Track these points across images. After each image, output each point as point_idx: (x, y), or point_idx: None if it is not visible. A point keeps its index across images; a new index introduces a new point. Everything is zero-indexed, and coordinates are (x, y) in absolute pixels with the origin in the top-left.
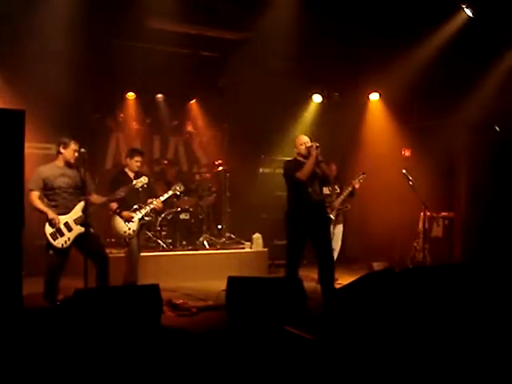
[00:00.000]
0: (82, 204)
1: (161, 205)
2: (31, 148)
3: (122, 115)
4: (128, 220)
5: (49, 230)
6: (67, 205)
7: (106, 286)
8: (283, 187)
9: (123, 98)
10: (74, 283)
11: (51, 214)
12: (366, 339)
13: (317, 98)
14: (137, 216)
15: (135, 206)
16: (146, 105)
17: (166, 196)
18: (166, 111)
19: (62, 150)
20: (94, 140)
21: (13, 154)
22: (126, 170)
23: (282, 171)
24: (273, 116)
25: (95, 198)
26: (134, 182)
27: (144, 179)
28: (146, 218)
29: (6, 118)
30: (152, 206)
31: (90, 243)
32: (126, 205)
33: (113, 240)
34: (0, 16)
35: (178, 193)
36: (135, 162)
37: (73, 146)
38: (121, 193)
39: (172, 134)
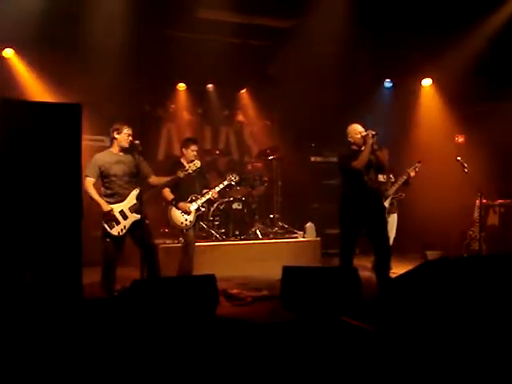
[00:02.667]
0: (136, 192)
1: (216, 195)
2: (86, 140)
3: (173, 106)
4: (185, 211)
5: (103, 219)
6: (123, 192)
7: (157, 275)
8: (334, 176)
9: (174, 89)
10: (130, 273)
11: (105, 207)
12: (422, 330)
13: (388, 84)
14: (193, 207)
15: (191, 197)
16: (197, 95)
17: (221, 186)
18: (216, 101)
19: (115, 136)
20: (146, 131)
21: (71, 146)
22: (182, 160)
23: (334, 160)
24: (324, 104)
25: (154, 180)
26: (187, 166)
27: (197, 163)
28: (201, 209)
29: (64, 111)
30: (208, 197)
31: (143, 232)
32: (181, 195)
33: (166, 230)
34: (55, 10)
35: (233, 183)
36: (191, 152)
37: (126, 130)
38: (180, 174)
39: (223, 124)
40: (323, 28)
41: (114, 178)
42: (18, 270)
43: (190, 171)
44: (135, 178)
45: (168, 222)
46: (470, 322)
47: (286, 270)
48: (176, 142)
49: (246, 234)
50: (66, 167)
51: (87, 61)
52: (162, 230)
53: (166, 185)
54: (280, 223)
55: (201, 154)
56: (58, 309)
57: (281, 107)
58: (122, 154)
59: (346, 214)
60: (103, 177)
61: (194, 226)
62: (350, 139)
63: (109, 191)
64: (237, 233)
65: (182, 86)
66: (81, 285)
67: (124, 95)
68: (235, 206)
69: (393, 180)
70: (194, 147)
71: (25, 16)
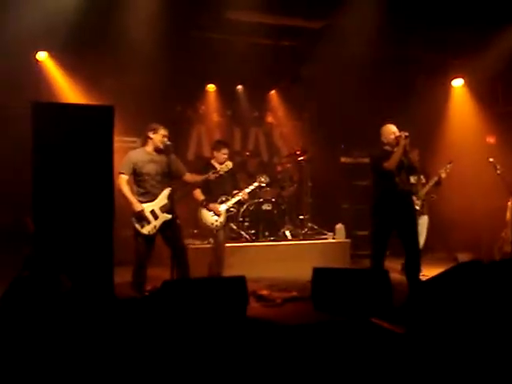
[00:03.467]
0: (167, 191)
1: (247, 196)
2: (117, 141)
3: (202, 107)
4: (215, 212)
5: (135, 218)
6: (155, 192)
7: (187, 276)
8: (365, 177)
9: (204, 91)
10: (160, 273)
11: (137, 207)
12: (453, 333)
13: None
14: (223, 208)
15: (222, 198)
16: (227, 96)
17: (251, 187)
18: (246, 102)
19: (151, 135)
20: (176, 132)
21: (103, 148)
22: (213, 162)
23: (364, 160)
24: (354, 105)
25: (189, 177)
26: (219, 167)
27: (228, 164)
28: (231, 210)
29: (97, 113)
30: (238, 198)
31: (173, 232)
32: (211, 196)
33: (196, 231)
34: (88, 12)
35: (263, 184)
36: (222, 155)
37: (162, 131)
38: (211, 175)
39: (252, 125)
40: (355, 28)
41: (146, 177)
42: (54, 271)
43: (222, 172)
44: (167, 177)
45: (198, 222)
46: (503, 328)
47: (317, 272)
48: (206, 144)
49: (275, 235)
50: (99, 168)
51: (119, 62)
52: (191, 231)
53: (199, 184)
54: (310, 224)
55: (230, 156)
56: (90, 309)
57: (311, 108)
58: (155, 153)
59: (377, 215)
60: (136, 175)
61: (224, 227)
62: (383, 139)
63: (141, 190)
64: (266, 234)
65: (211, 87)
66: (112, 284)
67: (155, 96)
68: (265, 207)
69: (424, 181)
70: (225, 150)
71: (58, 18)
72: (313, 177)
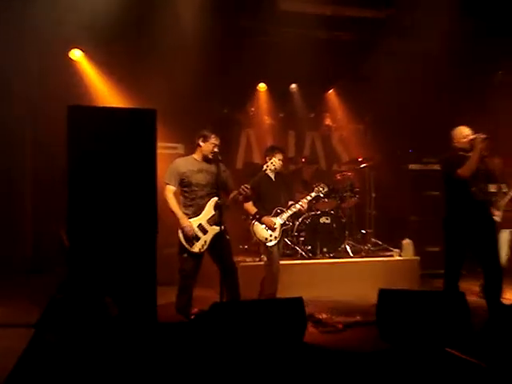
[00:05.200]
0: (213, 201)
1: (305, 208)
2: (158, 148)
3: (252, 109)
4: (269, 226)
5: (182, 234)
6: (202, 204)
7: (237, 297)
8: (436, 186)
9: (254, 90)
10: (207, 294)
11: (184, 222)
12: None
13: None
14: (278, 221)
15: (276, 210)
16: (279, 96)
17: (308, 198)
18: (300, 103)
19: (200, 143)
20: (224, 137)
21: (146, 154)
22: (267, 170)
23: (435, 167)
24: (423, 105)
25: (230, 196)
26: (264, 167)
27: (275, 162)
28: (287, 223)
29: (138, 117)
30: (294, 210)
31: (223, 248)
32: (264, 208)
33: (246, 247)
34: (127, 8)
35: (321, 194)
36: (278, 162)
37: (213, 139)
38: (247, 189)
39: (308, 129)
40: (423, 19)
41: (195, 188)
42: (99, 294)
43: (268, 172)
44: (217, 189)
45: (251, 237)
46: None
47: (383, 294)
48: (256, 149)
49: (335, 251)
50: (141, 178)
51: (160, 62)
52: (241, 247)
53: (250, 196)
54: (373, 239)
55: (284, 163)
56: (133, 333)
57: (374, 109)
58: (204, 162)
59: (451, 229)
60: (184, 185)
61: (279, 242)
62: (455, 144)
63: (188, 202)
64: (325, 250)
65: (262, 87)
66: (155, 307)
67: (199, 98)
68: (323, 220)
69: (505, 190)
70: (279, 156)
71: (94, 14)
72: (377, 186)
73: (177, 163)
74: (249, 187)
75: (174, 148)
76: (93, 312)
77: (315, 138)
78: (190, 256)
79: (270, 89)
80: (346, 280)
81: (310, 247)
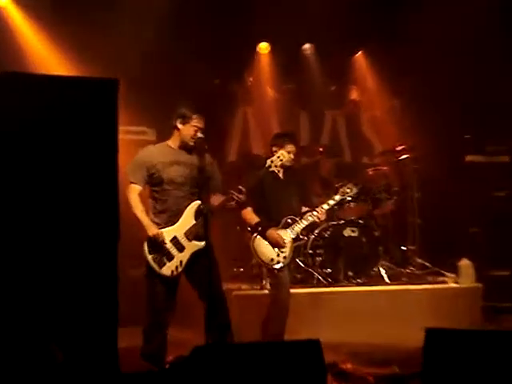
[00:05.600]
0: (193, 206)
1: (324, 216)
2: (120, 133)
3: (251, 79)
4: (277, 242)
5: (148, 249)
6: (178, 209)
7: (229, 339)
8: (505, 184)
9: (253, 53)
10: (187, 336)
11: (152, 230)
12: None
13: None
14: (289, 235)
15: (287, 220)
16: (287, 61)
17: (330, 203)
18: (317, 71)
19: (178, 126)
20: (211, 118)
21: (103, 140)
22: (271, 166)
23: (502, 159)
24: (484, 75)
25: (214, 199)
26: (268, 163)
27: (284, 155)
28: (301, 238)
29: (94, 90)
30: (311, 220)
31: (206, 271)
32: (270, 216)
33: (241, 270)
34: None
35: (348, 198)
36: (287, 155)
37: (195, 121)
38: (241, 193)
39: (328, 107)
40: None
41: (168, 187)
42: (42, 340)
43: (274, 169)
44: (198, 189)
45: (252, 257)
46: None
47: (431, 334)
48: (256, 134)
49: (364, 275)
50: (96, 171)
51: (123, 15)
52: (235, 270)
53: (248, 200)
54: (418, 259)
55: (295, 154)
56: None
57: (417, 79)
58: (182, 152)
59: None
60: (153, 184)
61: (289, 264)
62: None
63: (159, 206)
64: (350, 274)
65: (264, 48)
66: (117, 352)
67: (179, 64)
68: (348, 232)
69: None
70: (290, 147)
71: None
72: (422, 185)
73: (144, 153)
74: (243, 190)
75: (142, 133)
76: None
77: (337, 119)
78: (161, 281)
79: (275, 51)
80: (379, 315)
81: (330, 270)
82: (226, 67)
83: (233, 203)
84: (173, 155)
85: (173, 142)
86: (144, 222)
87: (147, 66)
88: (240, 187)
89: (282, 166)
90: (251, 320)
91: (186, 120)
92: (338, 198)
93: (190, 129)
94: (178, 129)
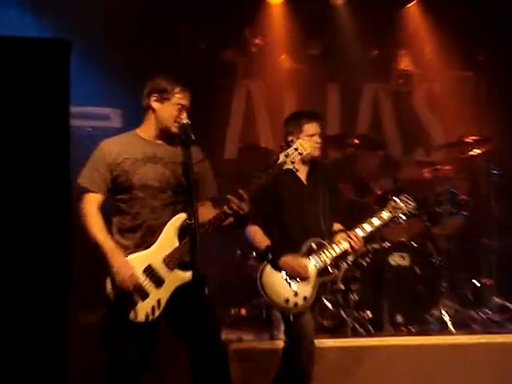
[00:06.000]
0: (177, 221)
1: (363, 242)
2: (72, 118)
3: (257, 41)
4: (296, 273)
5: (114, 287)
6: (155, 226)
7: None
8: None
9: (260, 3)
10: None
11: (117, 260)
12: None
13: None
14: (313, 265)
15: (310, 244)
16: (310, 15)
17: (375, 223)
18: (352, 28)
19: (153, 105)
20: (201, 99)
21: (49, 127)
22: (288, 163)
23: None
24: None
25: (205, 210)
26: (281, 158)
27: (304, 145)
28: (331, 270)
29: (37, 54)
30: (345, 245)
31: (197, 314)
32: (287, 237)
33: (243, 312)
34: None
35: (402, 215)
36: (309, 142)
37: (178, 97)
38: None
39: (367, 79)
40: None
41: (140, 194)
42: None
43: (289, 166)
44: (183, 197)
45: (259, 294)
46: None
47: None
48: (263, 120)
49: (419, 321)
50: (39, 173)
51: None
52: (233, 312)
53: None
54: (495, 298)
55: (322, 145)
56: None
57: (495, 41)
58: (160, 142)
59: None
60: (118, 190)
61: (313, 305)
62: None
63: (127, 222)
64: (399, 319)
65: None
66: None
67: (157, 20)
68: (396, 259)
69: None
70: (313, 128)
71: None
72: (502, 193)
73: (105, 148)
74: (246, 197)
75: (104, 118)
76: None
77: (380, 96)
78: (131, 330)
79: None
80: (440, 377)
81: (370, 314)
82: (221, 24)
83: (230, 218)
84: (146, 149)
85: (145, 131)
86: (105, 245)
87: (114, 23)
88: (241, 192)
89: (302, 160)
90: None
91: (164, 96)
92: (386, 215)
93: (170, 108)
94: (154, 109)
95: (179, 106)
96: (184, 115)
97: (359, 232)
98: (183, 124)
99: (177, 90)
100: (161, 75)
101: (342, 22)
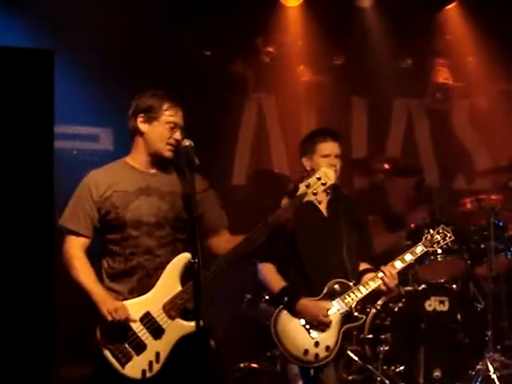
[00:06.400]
0: (180, 262)
1: (395, 282)
2: (59, 139)
3: (270, 49)
4: (316, 321)
5: (104, 337)
6: (153, 268)
7: None
8: None
9: (274, 5)
10: None
11: (109, 304)
12: None
13: None
14: (336, 309)
15: (333, 286)
16: (331, 18)
17: (407, 259)
18: (381, 35)
19: (140, 127)
20: (207, 114)
21: (31, 150)
22: (308, 194)
23: None
24: None
25: (227, 240)
26: (301, 188)
27: (327, 173)
28: (357, 316)
29: (27, 63)
30: (374, 286)
31: (202, 369)
32: (306, 277)
33: (254, 366)
34: None
35: (439, 249)
36: (325, 160)
37: (168, 114)
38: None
39: (399, 94)
40: None
41: (134, 232)
42: None
43: (307, 199)
44: (183, 230)
45: (274, 343)
46: None
47: None
48: (279, 141)
49: (462, 377)
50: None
51: None
52: (242, 366)
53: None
54: None
55: (344, 170)
56: None
57: None
58: (154, 171)
59: None
60: (108, 229)
61: (337, 358)
62: None
63: (118, 265)
64: (438, 375)
65: None
66: None
67: (156, 27)
68: (433, 304)
69: None
70: (328, 148)
71: None
72: None
73: (90, 181)
74: (263, 228)
75: (92, 139)
76: None
77: (414, 113)
78: None
79: (312, 1)
80: None
81: (402, 368)
82: (228, 30)
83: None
84: (138, 179)
85: (135, 158)
86: (95, 292)
87: (98, 31)
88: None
89: (324, 193)
90: None
91: (151, 115)
92: (420, 249)
93: (160, 128)
94: (141, 132)
95: (170, 125)
96: (177, 135)
97: (393, 266)
98: (185, 146)
99: (165, 106)
100: (147, 92)
101: (370, 27)
